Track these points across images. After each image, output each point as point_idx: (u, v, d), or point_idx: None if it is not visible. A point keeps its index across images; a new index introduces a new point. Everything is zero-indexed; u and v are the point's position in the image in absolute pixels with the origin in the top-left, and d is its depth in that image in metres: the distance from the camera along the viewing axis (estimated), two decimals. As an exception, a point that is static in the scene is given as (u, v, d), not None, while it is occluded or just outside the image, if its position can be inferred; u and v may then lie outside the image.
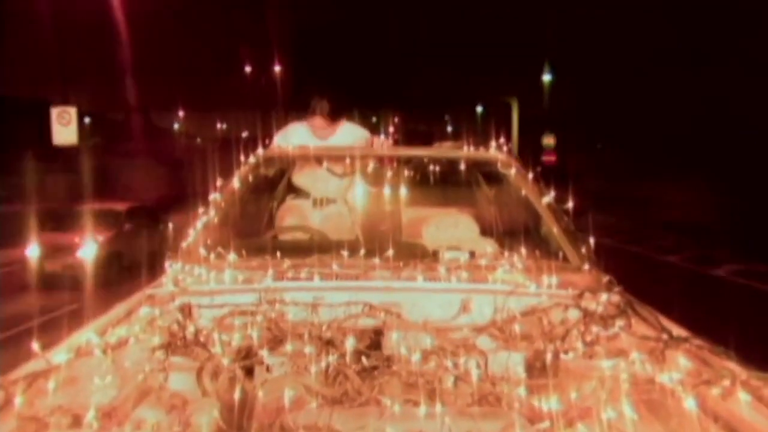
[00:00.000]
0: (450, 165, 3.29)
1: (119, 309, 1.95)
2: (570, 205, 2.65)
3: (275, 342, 1.83)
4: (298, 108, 3.83)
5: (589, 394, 1.56)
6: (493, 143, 3.02)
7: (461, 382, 1.71)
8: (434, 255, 2.52)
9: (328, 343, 1.79)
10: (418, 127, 31.93)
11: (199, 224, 2.51)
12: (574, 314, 1.95)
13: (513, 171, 2.86)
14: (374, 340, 1.93)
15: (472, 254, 2.50)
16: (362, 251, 2.37)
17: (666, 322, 1.82)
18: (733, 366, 1.48)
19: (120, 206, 11.53)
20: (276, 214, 3.42)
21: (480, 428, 1.51)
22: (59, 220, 10.90)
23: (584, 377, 1.67)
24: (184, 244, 2.41)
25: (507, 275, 2.21)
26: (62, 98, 14.74)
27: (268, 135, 3.38)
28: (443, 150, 3.20)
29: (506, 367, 1.84)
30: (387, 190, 3.08)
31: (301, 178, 3.47)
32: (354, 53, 29.15)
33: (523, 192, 2.79)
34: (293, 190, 3.50)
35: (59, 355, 1.56)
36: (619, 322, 1.87)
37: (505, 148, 3.03)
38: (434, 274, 2.22)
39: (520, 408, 1.60)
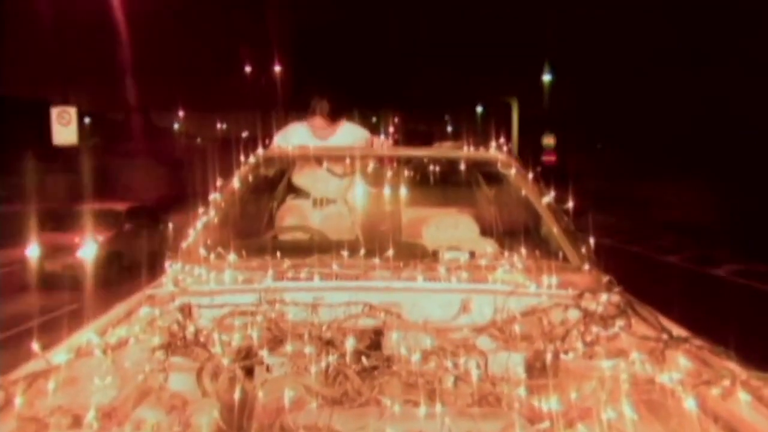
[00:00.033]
0: (450, 165, 3.29)
1: (119, 309, 1.95)
2: (570, 205, 2.65)
3: (275, 342, 1.83)
4: (298, 108, 3.84)
5: (589, 394, 1.56)
6: (493, 143, 3.01)
7: (461, 382, 1.71)
8: (434, 255, 2.52)
9: (328, 344, 1.78)
10: (418, 127, 31.89)
11: (199, 224, 2.51)
12: (574, 314, 1.95)
13: (513, 171, 2.86)
14: (374, 341, 1.93)
15: (472, 254, 2.50)
16: (362, 251, 2.37)
17: (666, 322, 1.82)
18: (733, 366, 1.48)
19: (120, 206, 11.53)
20: (276, 215, 3.42)
21: (480, 428, 1.51)
22: (59, 220, 10.91)
23: (584, 377, 1.67)
24: (184, 245, 2.41)
25: (507, 275, 2.21)
26: (62, 98, 14.75)
27: (268, 135, 3.38)
28: (443, 150, 3.19)
29: (506, 368, 1.84)
30: (387, 191, 3.08)
31: (301, 178, 3.47)
32: (354, 53, 29.16)
33: (523, 192, 2.79)
34: (293, 190, 3.50)
35: (59, 355, 1.56)
36: (619, 323, 1.87)
37: (505, 148, 3.03)
38: (434, 274, 2.22)
39: (520, 408, 1.60)
